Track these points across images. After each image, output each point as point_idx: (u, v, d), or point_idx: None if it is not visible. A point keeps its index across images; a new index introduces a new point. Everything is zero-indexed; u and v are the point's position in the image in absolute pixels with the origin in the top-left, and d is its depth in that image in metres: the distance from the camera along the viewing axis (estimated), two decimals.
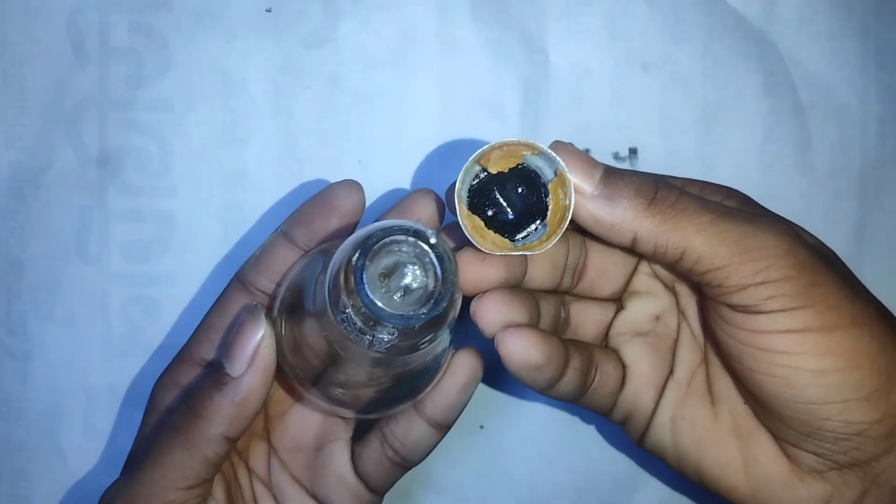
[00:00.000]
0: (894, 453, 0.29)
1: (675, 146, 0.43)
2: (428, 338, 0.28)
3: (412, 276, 0.27)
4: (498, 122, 0.43)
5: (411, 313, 0.27)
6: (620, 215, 0.29)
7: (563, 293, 0.33)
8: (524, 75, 0.43)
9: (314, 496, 0.34)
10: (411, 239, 0.27)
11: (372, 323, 0.27)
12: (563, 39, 0.43)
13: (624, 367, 0.33)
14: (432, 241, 0.27)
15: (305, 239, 0.33)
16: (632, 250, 0.30)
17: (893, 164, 0.43)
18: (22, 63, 0.43)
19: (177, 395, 0.33)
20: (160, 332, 0.43)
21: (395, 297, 0.28)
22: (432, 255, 0.27)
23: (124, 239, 0.43)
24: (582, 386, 0.32)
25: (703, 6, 0.43)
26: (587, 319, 0.34)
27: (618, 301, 0.33)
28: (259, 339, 0.30)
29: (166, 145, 0.43)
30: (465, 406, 0.33)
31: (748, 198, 0.33)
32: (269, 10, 0.43)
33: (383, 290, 0.27)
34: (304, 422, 0.35)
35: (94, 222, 0.43)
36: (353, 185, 0.32)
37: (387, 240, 0.27)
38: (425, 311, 0.27)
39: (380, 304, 0.26)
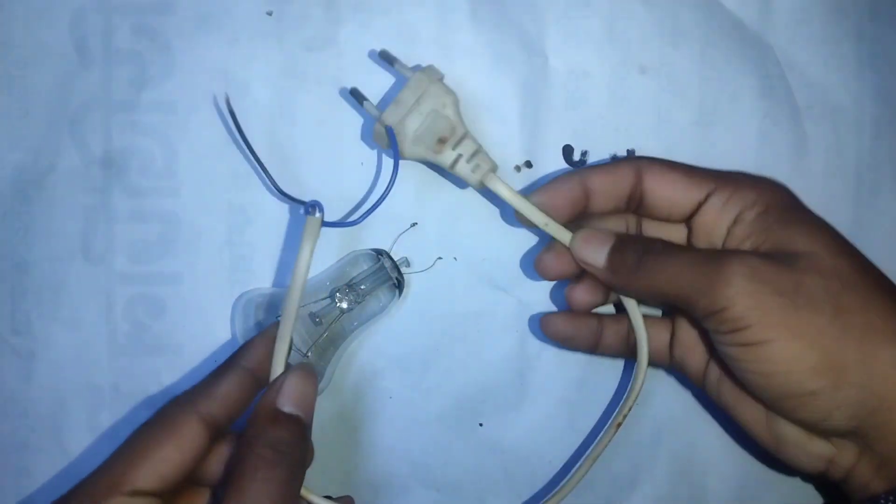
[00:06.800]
0: (876, 427, 0.34)
1: (672, 148, 0.43)
2: None
3: None
4: (498, 125, 0.43)
5: None
6: (622, 280, 0.37)
7: (633, 214, 0.41)
8: (523, 78, 0.43)
9: None
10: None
11: None
12: (561, 43, 0.43)
13: (673, 334, 0.40)
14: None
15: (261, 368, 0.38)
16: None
17: (888, 165, 0.43)
18: (26, 65, 0.43)
19: None
20: (164, 331, 0.43)
21: None
22: None
23: (128, 239, 0.43)
24: (622, 345, 0.41)
25: (700, 10, 0.43)
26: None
27: (685, 222, 0.39)
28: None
29: (170, 147, 0.43)
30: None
31: (782, 194, 0.38)
32: (269, 14, 0.43)
33: None
34: None
35: (98, 223, 0.43)
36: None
37: None
38: None
39: None
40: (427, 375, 0.43)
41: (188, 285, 0.43)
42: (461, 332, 0.43)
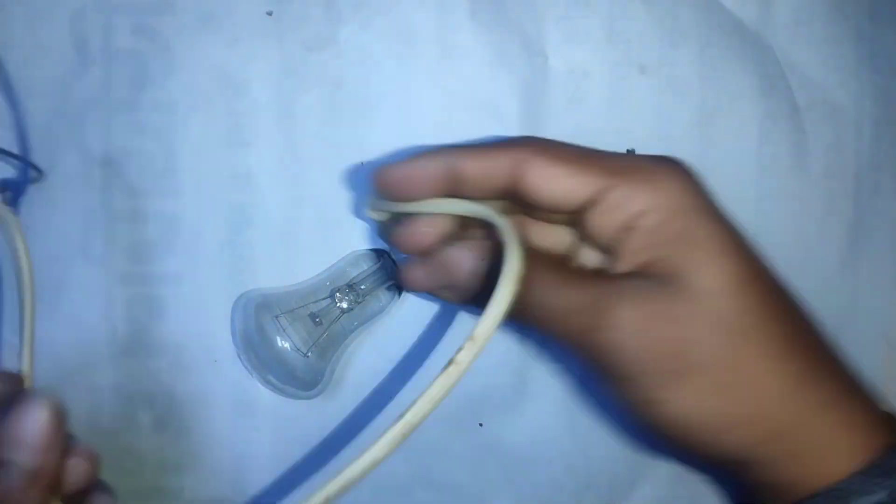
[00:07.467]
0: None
1: (672, 148, 0.43)
2: None
3: None
4: (497, 125, 0.43)
5: None
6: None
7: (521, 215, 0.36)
8: (523, 78, 0.43)
9: None
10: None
11: None
12: (561, 42, 0.43)
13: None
14: None
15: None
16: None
17: (888, 165, 0.43)
18: (25, 65, 0.43)
19: None
20: (165, 331, 0.43)
21: None
22: None
23: (129, 240, 0.43)
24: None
25: (700, 9, 0.43)
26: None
27: (572, 226, 0.35)
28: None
29: (170, 147, 0.43)
30: None
31: (684, 192, 0.34)
32: (270, 13, 0.43)
33: None
34: None
35: (98, 223, 0.43)
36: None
37: None
38: None
39: None
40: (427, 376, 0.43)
41: (188, 285, 0.43)
42: (461, 331, 0.43)
